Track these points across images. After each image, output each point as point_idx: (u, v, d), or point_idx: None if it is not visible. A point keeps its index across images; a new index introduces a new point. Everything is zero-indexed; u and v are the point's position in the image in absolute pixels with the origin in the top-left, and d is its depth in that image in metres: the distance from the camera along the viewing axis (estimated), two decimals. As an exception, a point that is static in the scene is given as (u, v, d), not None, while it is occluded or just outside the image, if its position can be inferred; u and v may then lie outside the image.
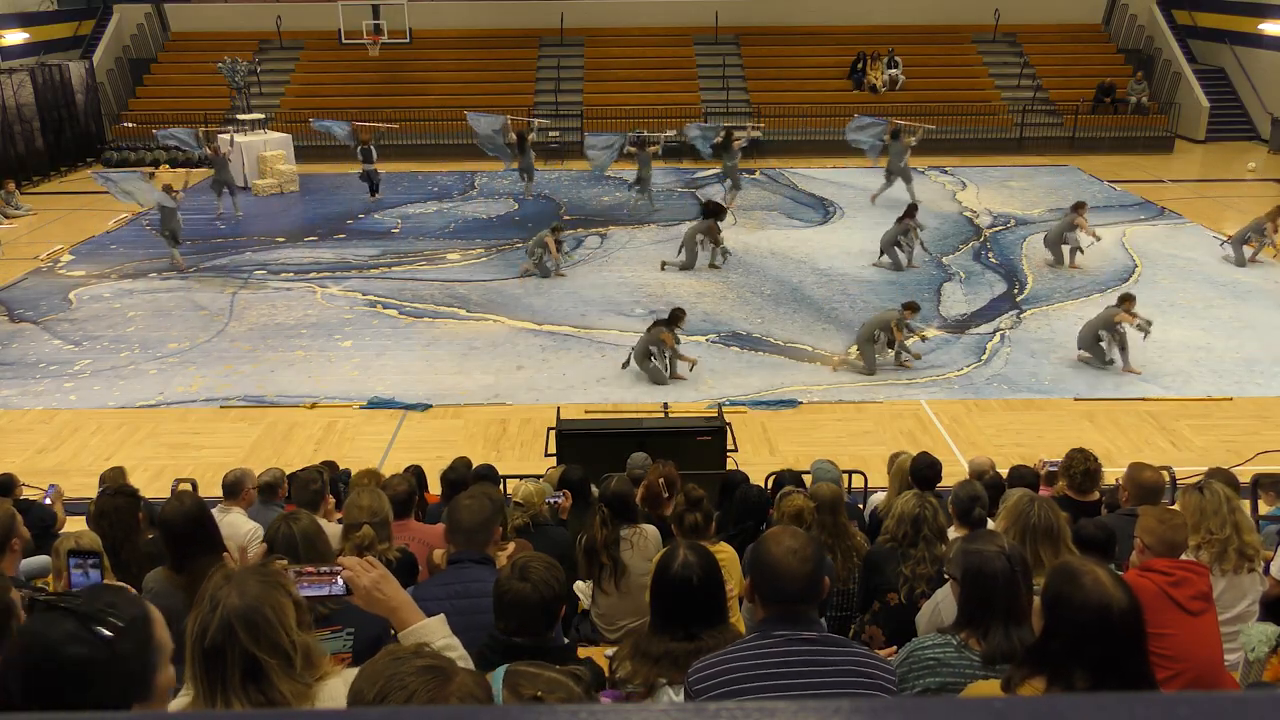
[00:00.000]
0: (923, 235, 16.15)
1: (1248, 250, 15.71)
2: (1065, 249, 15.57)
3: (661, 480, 5.71)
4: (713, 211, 15.74)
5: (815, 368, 12.15)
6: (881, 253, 15.71)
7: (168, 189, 15.94)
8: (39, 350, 12.77)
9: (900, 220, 15.67)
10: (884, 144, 19.75)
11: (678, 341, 11.64)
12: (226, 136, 20.82)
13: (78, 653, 1.76)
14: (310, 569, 2.65)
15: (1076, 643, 2.43)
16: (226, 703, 2.12)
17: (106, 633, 1.78)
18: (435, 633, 2.58)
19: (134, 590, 1.88)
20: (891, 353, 11.94)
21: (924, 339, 12.68)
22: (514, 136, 20.58)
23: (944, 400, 11.19)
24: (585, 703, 2.30)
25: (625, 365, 11.84)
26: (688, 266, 15.67)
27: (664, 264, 15.84)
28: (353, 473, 8.12)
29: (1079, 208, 15.67)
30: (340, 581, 2.60)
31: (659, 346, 11.57)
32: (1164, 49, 27.38)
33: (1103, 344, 11.84)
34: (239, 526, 6.00)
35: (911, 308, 11.95)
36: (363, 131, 21.13)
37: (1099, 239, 15.64)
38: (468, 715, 1.17)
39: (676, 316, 11.72)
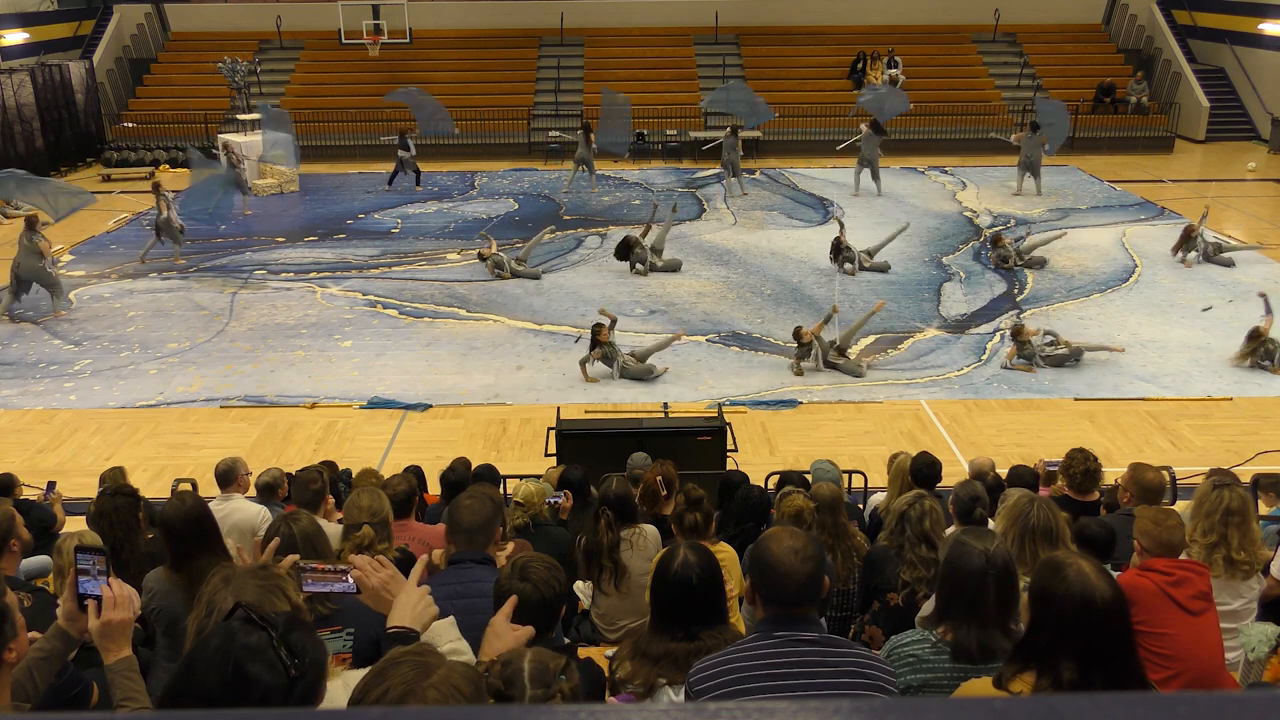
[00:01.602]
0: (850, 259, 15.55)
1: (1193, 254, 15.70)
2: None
3: (659, 478, 5.70)
4: (620, 251, 15.73)
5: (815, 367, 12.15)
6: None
7: (161, 192, 16.05)
8: (39, 350, 12.77)
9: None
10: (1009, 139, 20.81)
11: (604, 356, 11.59)
12: (238, 141, 20.81)
13: (261, 675, 1.81)
14: (320, 566, 2.65)
15: (1061, 634, 2.45)
16: (226, 703, 2.12)
17: (292, 671, 1.83)
18: (443, 635, 2.56)
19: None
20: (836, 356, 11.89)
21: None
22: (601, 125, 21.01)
23: (944, 400, 11.19)
24: (546, 666, 2.32)
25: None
26: (674, 268, 15.67)
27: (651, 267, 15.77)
28: (353, 473, 8.12)
29: (995, 241, 15.91)
30: (349, 580, 2.60)
31: (605, 363, 11.65)
32: (1164, 49, 27.38)
33: (1050, 349, 11.89)
34: (246, 510, 6.03)
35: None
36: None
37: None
38: (468, 715, 1.17)
39: (593, 334, 11.66)
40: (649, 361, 11.77)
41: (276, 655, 1.82)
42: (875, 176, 20.10)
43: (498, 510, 3.84)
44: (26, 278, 13.76)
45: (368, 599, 2.61)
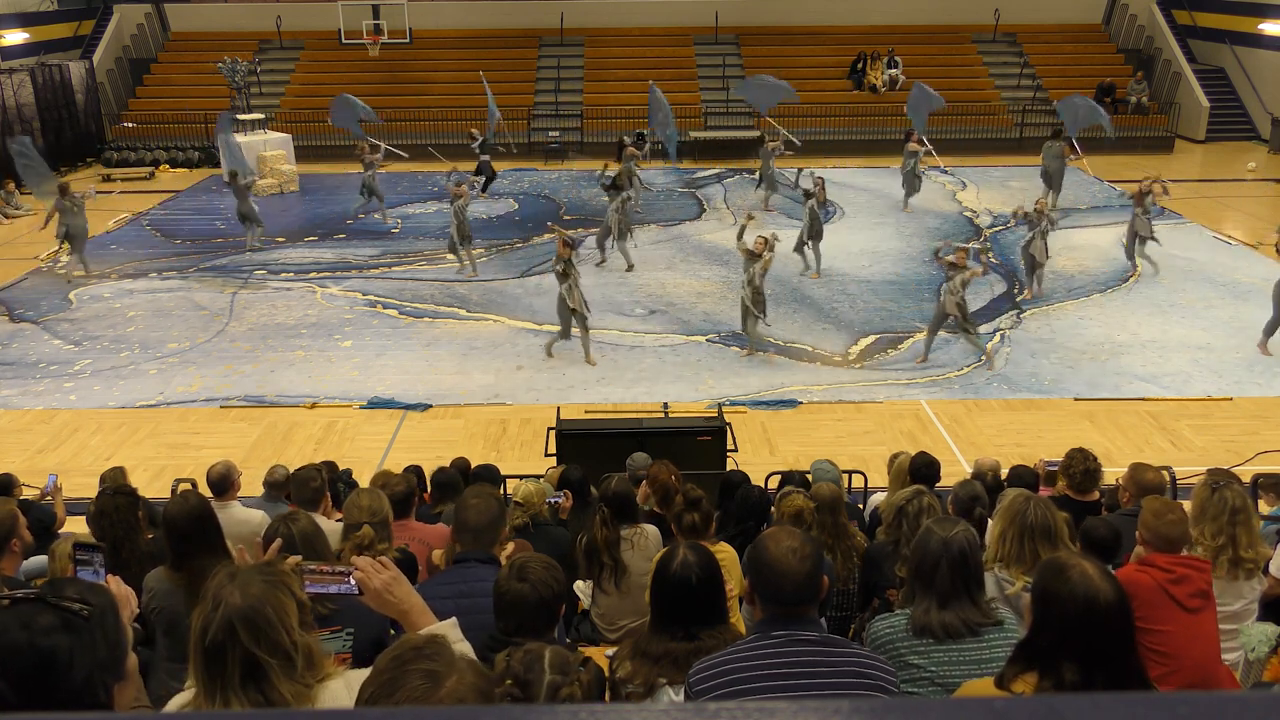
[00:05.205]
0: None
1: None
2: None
3: (674, 477, 5.70)
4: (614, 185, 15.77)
5: (815, 368, 12.15)
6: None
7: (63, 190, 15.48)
8: (39, 350, 12.77)
9: None
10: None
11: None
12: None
13: (59, 642, 1.78)
14: (323, 567, 2.63)
15: (1063, 635, 2.45)
16: (226, 702, 2.11)
17: (84, 615, 1.80)
18: (446, 636, 2.55)
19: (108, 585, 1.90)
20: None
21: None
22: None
23: (944, 400, 11.19)
24: (565, 665, 2.32)
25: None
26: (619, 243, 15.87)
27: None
28: (353, 473, 8.12)
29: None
30: (351, 581, 2.59)
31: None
32: (1164, 49, 27.38)
33: None
34: (250, 520, 5.92)
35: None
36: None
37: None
38: (468, 715, 1.17)
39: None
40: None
41: (63, 617, 1.79)
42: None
43: (504, 510, 3.84)
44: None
45: (370, 600, 2.60)
